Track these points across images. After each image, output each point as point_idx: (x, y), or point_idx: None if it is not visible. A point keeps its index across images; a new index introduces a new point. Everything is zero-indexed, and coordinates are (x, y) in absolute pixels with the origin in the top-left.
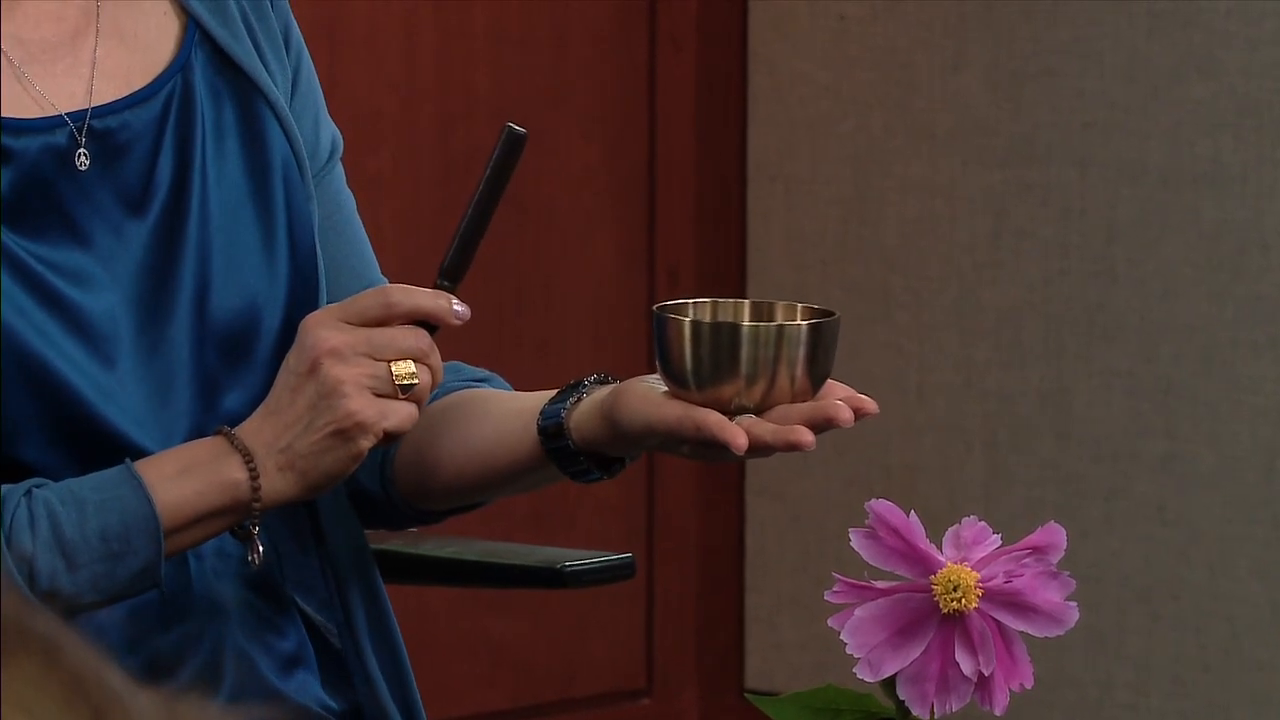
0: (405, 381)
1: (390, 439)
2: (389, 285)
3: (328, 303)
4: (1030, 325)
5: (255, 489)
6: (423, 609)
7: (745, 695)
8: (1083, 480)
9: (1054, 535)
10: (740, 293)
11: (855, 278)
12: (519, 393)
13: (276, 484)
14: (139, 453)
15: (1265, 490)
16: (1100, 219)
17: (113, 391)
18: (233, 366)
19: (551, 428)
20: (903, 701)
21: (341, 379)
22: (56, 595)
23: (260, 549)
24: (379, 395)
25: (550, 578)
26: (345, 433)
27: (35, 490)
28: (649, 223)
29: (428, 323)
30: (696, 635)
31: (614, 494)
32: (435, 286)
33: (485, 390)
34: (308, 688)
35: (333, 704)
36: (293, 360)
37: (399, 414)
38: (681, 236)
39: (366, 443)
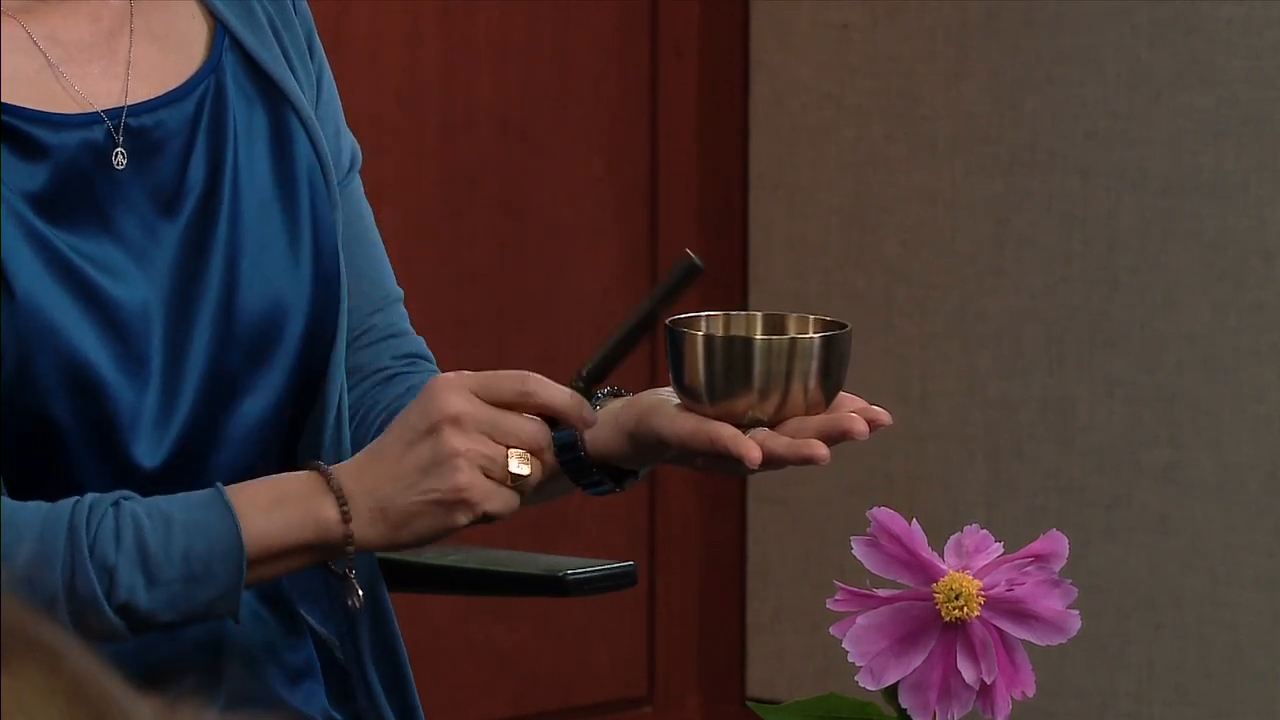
0: (518, 471)
1: (486, 520)
2: (530, 374)
3: (349, 311)
4: (1032, 334)
5: (348, 534)
6: (425, 617)
7: (747, 703)
8: (1085, 489)
9: (1056, 543)
10: (742, 301)
11: (857, 286)
12: None
13: (367, 531)
14: (132, 461)
15: (1267, 499)
16: (1102, 227)
17: (137, 392)
18: (254, 369)
19: (565, 440)
20: (905, 710)
21: (458, 450)
22: (132, 610)
23: (360, 593)
24: (489, 476)
25: (552, 586)
26: (448, 504)
27: (124, 502)
28: (651, 231)
29: (552, 418)
30: (698, 643)
31: (616, 502)
32: (571, 385)
33: None
34: (314, 699)
35: (338, 716)
36: (414, 416)
37: (503, 499)
38: (683, 245)
39: (464, 518)
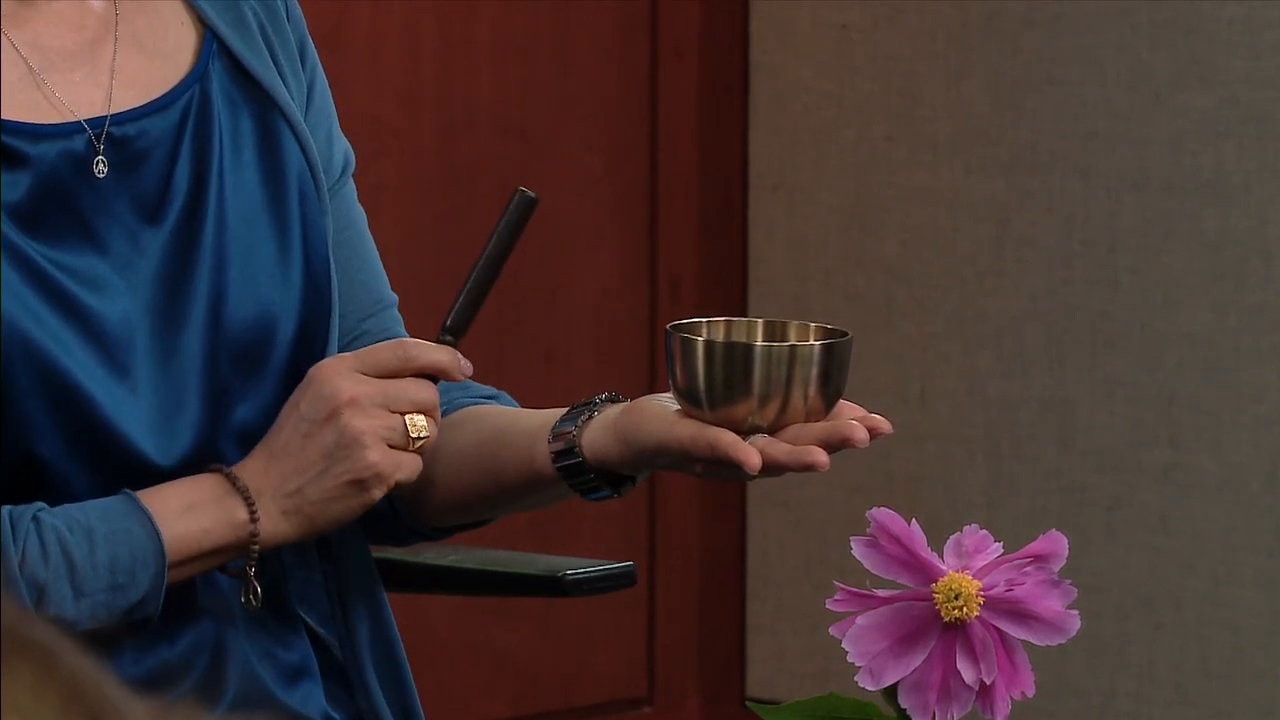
0: (418, 434)
1: (397, 488)
2: (405, 339)
3: (340, 317)
4: (1032, 334)
5: (254, 532)
6: (424, 617)
7: (747, 704)
8: (1085, 489)
9: (1056, 544)
10: (742, 301)
11: (857, 287)
12: (529, 410)
13: (280, 526)
14: (144, 462)
15: (1268, 499)
16: (1102, 228)
17: (124, 399)
18: (246, 377)
19: (563, 445)
20: (904, 710)
21: (362, 430)
22: (57, 620)
23: (258, 590)
24: (393, 446)
25: (552, 586)
26: (363, 483)
27: (41, 516)
28: (651, 232)
29: (434, 376)
30: (698, 643)
31: (615, 503)
32: (438, 340)
33: (494, 407)
34: (312, 699)
35: (336, 716)
36: (305, 406)
37: (410, 466)
38: (683, 246)
39: (379, 492)
